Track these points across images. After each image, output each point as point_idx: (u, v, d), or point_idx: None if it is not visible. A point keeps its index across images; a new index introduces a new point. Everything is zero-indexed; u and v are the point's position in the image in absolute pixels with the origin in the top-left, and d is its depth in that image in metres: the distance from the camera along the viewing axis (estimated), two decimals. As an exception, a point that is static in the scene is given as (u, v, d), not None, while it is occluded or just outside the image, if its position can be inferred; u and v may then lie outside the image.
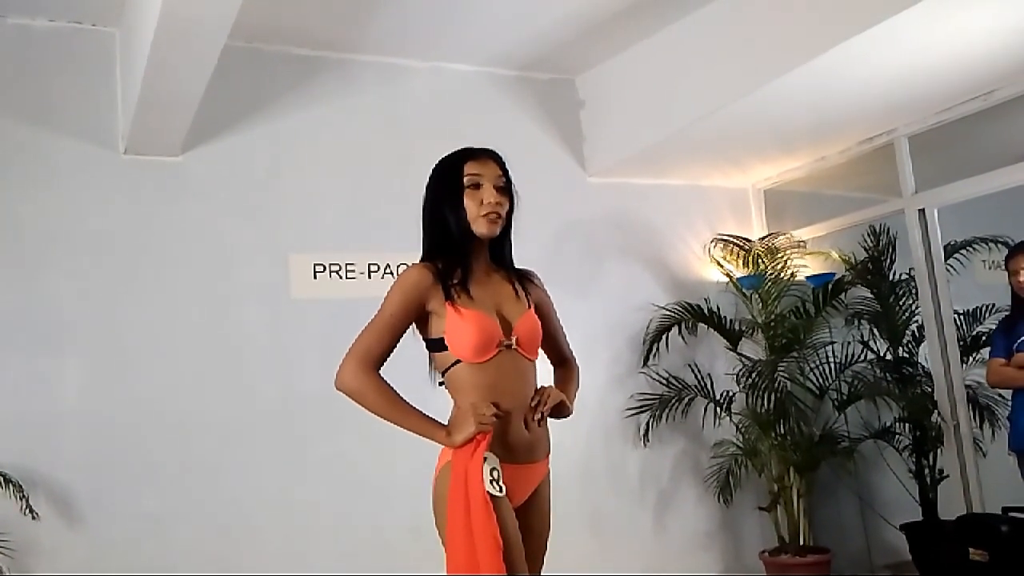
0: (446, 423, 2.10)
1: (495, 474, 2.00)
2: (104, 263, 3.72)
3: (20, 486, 3.32)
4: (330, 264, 4.15)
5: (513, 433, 2.10)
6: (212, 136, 3.97)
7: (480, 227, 2.14)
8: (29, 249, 3.62)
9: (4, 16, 3.70)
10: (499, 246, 2.24)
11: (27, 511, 3.31)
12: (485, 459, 1.99)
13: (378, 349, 2.10)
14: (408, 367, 2.19)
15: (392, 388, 2.10)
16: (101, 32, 3.85)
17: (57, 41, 3.77)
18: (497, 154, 2.22)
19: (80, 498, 3.54)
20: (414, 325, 2.17)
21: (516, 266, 2.31)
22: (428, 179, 2.24)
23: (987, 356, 4.01)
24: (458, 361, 2.09)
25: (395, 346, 2.12)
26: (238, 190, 4.02)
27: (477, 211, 2.13)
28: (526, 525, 2.10)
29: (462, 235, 2.15)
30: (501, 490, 1.99)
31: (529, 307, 2.21)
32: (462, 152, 2.21)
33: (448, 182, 2.17)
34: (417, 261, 2.20)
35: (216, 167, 3.98)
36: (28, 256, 3.61)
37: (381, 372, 2.12)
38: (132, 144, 3.75)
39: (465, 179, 2.14)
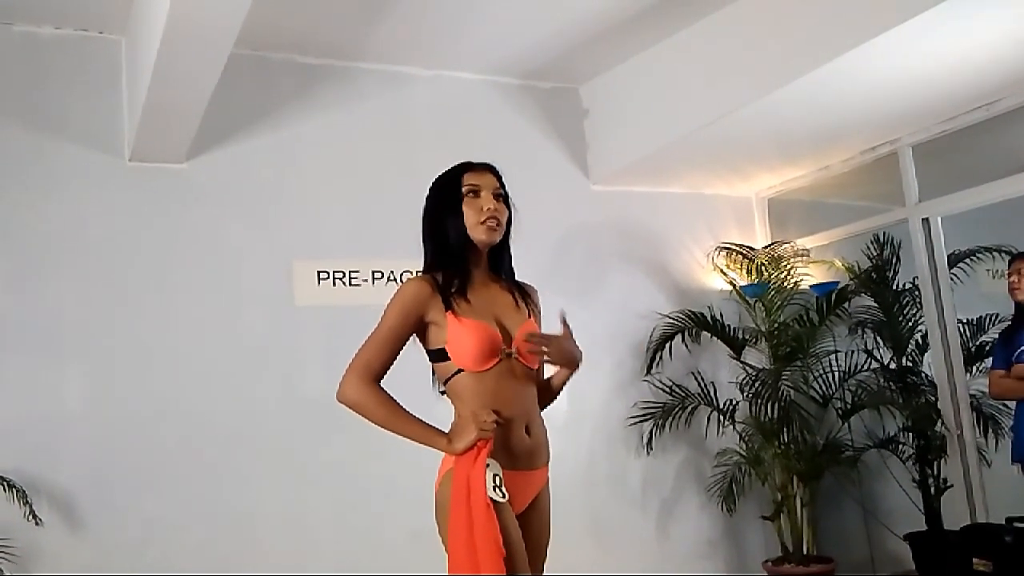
0: (447, 431, 2.12)
1: (497, 480, 2.01)
2: (108, 269, 3.73)
3: (24, 492, 3.33)
4: (334, 271, 4.15)
5: (514, 440, 2.11)
6: (217, 143, 3.98)
7: (479, 234, 2.16)
8: (33, 255, 3.63)
9: (10, 24, 3.72)
10: (498, 256, 2.26)
11: (30, 516, 3.32)
12: (488, 465, 2.01)
13: (378, 362, 2.11)
14: (411, 378, 2.20)
15: (393, 399, 2.12)
16: (107, 40, 3.87)
17: (63, 49, 3.79)
18: (494, 167, 2.26)
19: (83, 503, 3.54)
20: (415, 336, 2.18)
21: (517, 278, 2.33)
22: (427, 193, 2.26)
23: (990, 366, 4.00)
24: (460, 370, 2.11)
25: (395, 358, 2.14)
26: (242, 197, 4.03)
27: (476, 218, 2.15)
28: (526, 532, 2.10)
29: (461, 244, 2.17)
30: (503, 496, 2.00)
31: (529, 316, 2.24)
32: (461, 165, 2.25)
33: (447, 192, 2.20)
34: (420, 270, 2.23)
35: (221, 174, 3.99)
36: (32, 262, 3.63)
37: (385, 382, 2.14)
38: (137, 151, 3.76)
39: (464, 188, 2.18)
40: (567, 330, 2.22)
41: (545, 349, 2.13)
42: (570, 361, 2.22)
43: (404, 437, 2.11)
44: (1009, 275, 3.85)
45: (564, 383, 2.34)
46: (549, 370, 2.32)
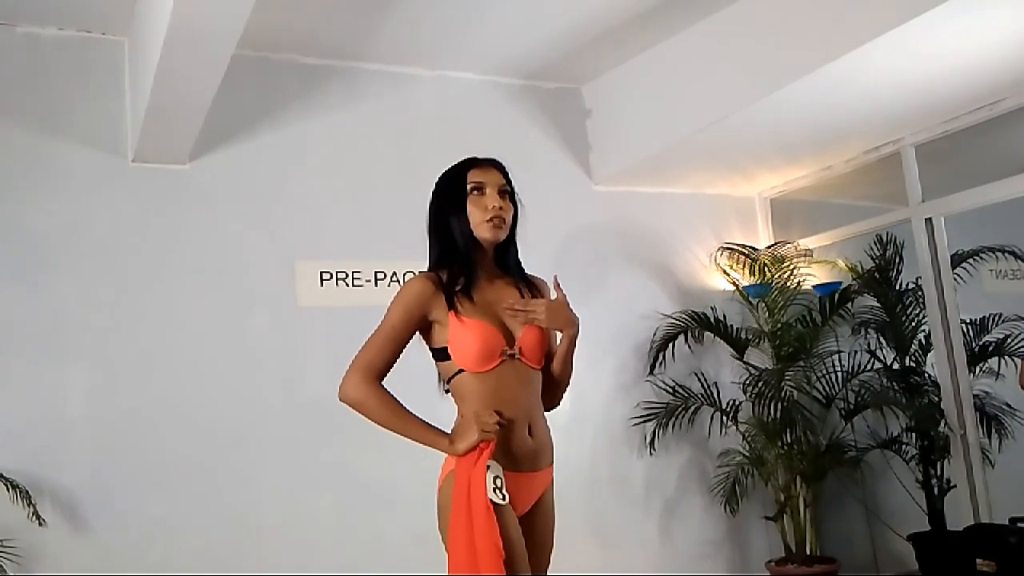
0: (450, 432, 2.11)
1: (498, 482, 2.00)
2: (111, 271, 3.74)
3: (27, 492, 3.33)
4: (337, 272, 4.15)
5: (516, 442, 2.10)
6: (220, 144, 3.98)
7: (484, 232, 2.15)
8: (37, 256, 3.63)
9: (13, 25, 3.72)
10: (503, 253, 2.24)
11: (34, 517, 3.32)
12: (488, 467, 2.00)
13: (380, 361, 2.10)
14: (416, 377, 2.20)
15: (395, 398, 2.11)
16: (110, 41, 3.87)
17: (66, 50, 3.80)
18: (500, 163, 2.24)
19: (86, 504, 3.54)
20: (419, 334, 2.17)
21: (526, 273, 2.31)
22: (432, 190, 2.25)
23: (994, 366, 3.98)
24: (461, 370, 2.10)
25: (398, 357, 2.13)
26: (245, 198, 4.03)
27: (481, 216, 2.14)
28: (530, 534, 2.10)
29: (466, 241, 2.16)
30: (504, 498, 1.99)
31: None
32: (466, 161, 2.23)
33: (452, 189, 2.19)
34: (423, 270, 2.21)
35: (223, 175, 4.00)
36: (36, 263, 3.63)
37: (389, 381, 2.13)
38: (140, 152, 3.77)
39: (469, 185, 2.17)
40: (561, 294, 2.19)
41: (529, 310, 2.12)
42: (564, 321, 2.17)
43: (405, 437, 2.10)
44: None
45: (568, 355, 2.24)
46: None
